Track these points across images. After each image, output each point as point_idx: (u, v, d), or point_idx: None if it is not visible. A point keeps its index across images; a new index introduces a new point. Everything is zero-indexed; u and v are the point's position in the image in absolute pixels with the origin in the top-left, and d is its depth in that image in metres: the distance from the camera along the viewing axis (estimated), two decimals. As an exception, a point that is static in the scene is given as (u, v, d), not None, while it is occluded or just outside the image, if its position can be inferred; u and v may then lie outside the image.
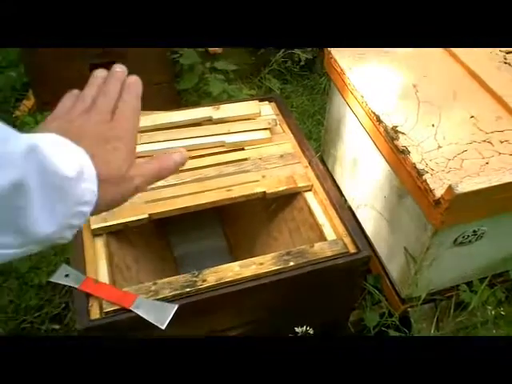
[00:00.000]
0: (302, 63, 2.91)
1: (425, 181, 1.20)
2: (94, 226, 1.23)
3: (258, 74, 2.89)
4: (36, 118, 2.33)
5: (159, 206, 1.29)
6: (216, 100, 2.50)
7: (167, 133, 1.47)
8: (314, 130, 2.73)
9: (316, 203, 1.38)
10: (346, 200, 1.78)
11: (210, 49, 2.71)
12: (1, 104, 2.70)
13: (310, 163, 1.47)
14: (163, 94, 2.60)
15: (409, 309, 1.52)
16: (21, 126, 2.37)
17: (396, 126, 1.34)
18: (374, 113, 1.40)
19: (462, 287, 1.52)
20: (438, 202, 1.16)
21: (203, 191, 1.35)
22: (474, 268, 1.50)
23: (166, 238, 1.70)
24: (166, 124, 1.49)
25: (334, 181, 1.88)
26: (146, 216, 1.27)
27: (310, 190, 1.41)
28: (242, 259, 1.55)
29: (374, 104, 1.42)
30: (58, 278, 1.10)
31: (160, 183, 1.35)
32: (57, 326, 1.73)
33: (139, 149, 1.39)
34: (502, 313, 1.53)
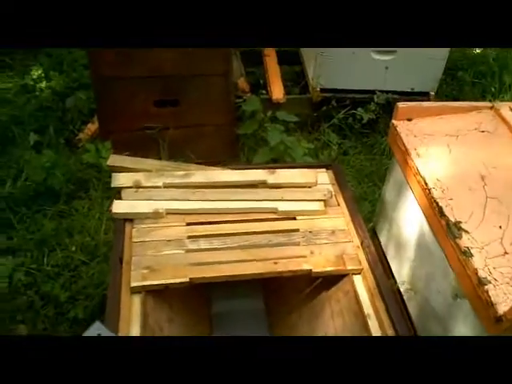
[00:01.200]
0: (364, 121, 2.86)
1: (486, 292, 1.11)
2: (133, 284, 1.21)
3: (318, 127, 2.87)
4: (97, 145, 2.39)
5: (202, 271, 1.26)
6: (273, 150, 2.49)
7: (220, 192, 1.45)
8: (369, 191, 2.66)
9: (363, 289, 1.32)
10: (395, 281, 1.69)
11: (273, 97, 2.72)
12: (67, 124, 2.79)
13: (362, 244, 1.41)
14: (222, 135, 2.62)
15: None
16: (82, 151, 2.44)
17: (459, 222, 1.27)
18: (436, 203, 1.33)
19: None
20: (499, 319, 1.07)
21: (249, 260, 1.31)
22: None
23: (205, 294, 1.66)
24: (220, 182, 1.47)
25: (385, 257, 1.80)
26: (187, 280, 1.24)
27: (359, 273, 1.35)
28: (279, 328, 1.50)
29: (437, 193, 1.35)
30: (90, 335, 1.08)
31: (205, 245, 1.33)
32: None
33: (191, 206, 1.38)
34: None
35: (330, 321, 1.36)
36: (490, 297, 1.10)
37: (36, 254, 2.08)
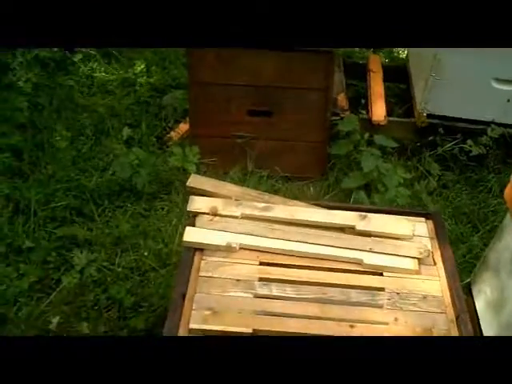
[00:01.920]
0: (473, 154, 2.57)
1: None
2: (192, 326, 1.11)
3: (418, 154, 2.62)
4: (184, 149, 2.35)
5: (268, 323, 1.14)
6: (365, 176, 2.31)
7: (302, 233, 1.31)
8: (467, 233, 2.39)
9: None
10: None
11: (374, 118, 2.52)
12: (161, 121, 2.80)
13: (457, 319, 1.21)
14: (313, 152, 2.48)
15: None
16: (170, 152, 2.42)
17: None
18: (561, 290, 1.09)
19: None
20: None
21: (322, 318, 1.16)
22: None
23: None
24: (304, 221, 1.33)
25: (479, 324, 1.56)
26: (249, 330, 1.12)
27: (447, 353, 1.15)
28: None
29: None
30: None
31: (276, 292, 1.21)
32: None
33: (268, 244, 1.26)
34: None
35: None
36: None
37: (110, 251, 2.08)
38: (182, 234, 2.05)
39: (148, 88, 2.92)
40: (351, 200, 2.28)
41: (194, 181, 1.41)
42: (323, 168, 2.52)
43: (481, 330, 1.55)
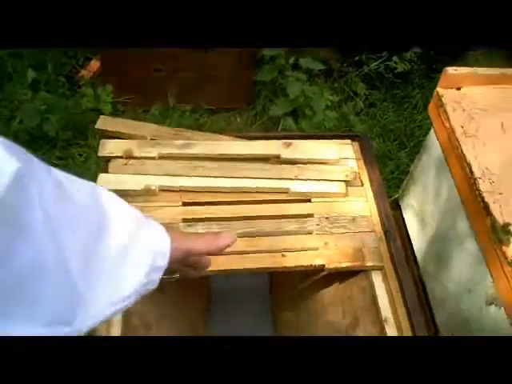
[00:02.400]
0: (398, 71, 2.56)
1: (535, 319, 0.92)
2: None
3: (345, 74, 2.57)
4: (96, 90, 2.16)
5: (197, 265, 1.08)
6: (292, 102, 2.24)
7: (226, 166, 1.24)
8: (394, 150, 2.42)
9: (383, 291, 1.13)
10: (418, 268, 1.51)
11: (297, 40, 2.42)
12: (70, 59, 2.56)
13: (385, 235, 1.21)
14: (237, 80, 2.37)
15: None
16: (80, 96, 2.22)
17: (508, 225, 1.05)
18: (482, 198, 1.10)
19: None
20: (547, 354, 0.88)
21: (253, 252, 1.13)
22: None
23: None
24: (226, 155, 1.26)
25: (408, 236, 1.60)
26: (177, 275, 1.06)
27: (379, 270, 1.16)
28: (282, 312, 1.35)
29: (484, 186, 1.12)
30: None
31: (203, 231, 1.15)
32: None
33: (190, 182, 1.18)
34: None
35: (341, 319, 1.19)
36: (540, 328, 0.90)
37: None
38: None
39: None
40: (279, 128, 2.22)
41: (104, 123, 1.28)
42: (249, 97, 2.43)
43: (411, 243, 1.59)
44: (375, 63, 2.48)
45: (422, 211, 1.52)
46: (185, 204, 1.19)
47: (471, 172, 1.15)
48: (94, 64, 2.49)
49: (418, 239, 1.55)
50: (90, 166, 2.07)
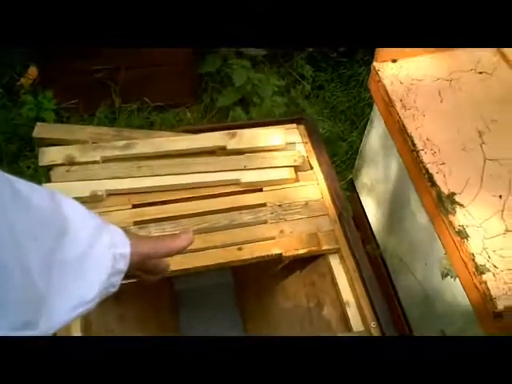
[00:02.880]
0: (342, 49, 2.57)
1: (485, 282, 0.94)
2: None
3: (290, 58, 2.57)
4: (37, 96, 2.08)
5: (151, 267, 1.06)
6: (239, 90, 2.22)
7: (171, 164, 1.22)
8: (346, 131, 2.44)
9: (342, 272, 1.14)
10: (377, 245, 1.53)
11: (239, 28, 2.40)
12: (5, 68, 2.46)
13: (339, 217, 1.22)
14: (182, 75, 2.33)
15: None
16: (21, 104, 2.14)
17: (453, 194, 1.07)
18: (426, 170, 1.12)
19: None
20: (498, 314, 0.91)
21: (208, 248, 1.11)
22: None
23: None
24: (171, 151, 1.24)
25: (366, 215, 1.62)
26: (133, 280, 1.04)
27: (336, 253, 1.17)
28: (249, 307, 1.35)
29: (427, 157, 1.14)
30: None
31: (155, 231, 1.13)
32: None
33: (137, 184, 1.16)
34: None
35: (305, 305, 1.20)
36: (488, 289, 0.93)
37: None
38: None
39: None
40: (229, 118, 2.20)
41: (41, 130, 1.23)
42: (195, 90, 2.40)
43: (369, 223, 1.61)
44: (318, 44, 2.48)
45: (375, 189, 1.55)
46: (134, 206, 1.16)
47: (413, 144, 1.17)
48: (32, 70, 2.39)
49: (375, 218, 1.57)
50: (40, 178, 2.00)
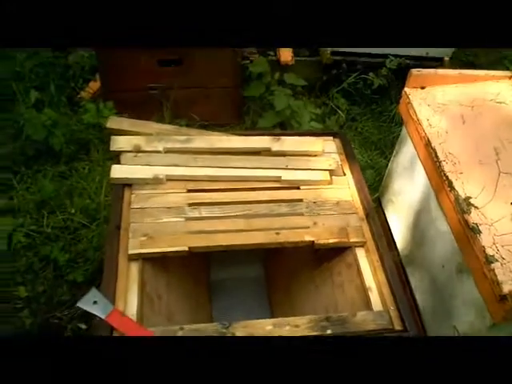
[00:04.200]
0: (375, 87, 2.77)
1: (493, 270, 1.08)
2: (130, 251, 1.18)
3: (327, 91, 2.78)
4: (98, 105, 2.33)
5: (201, 240, 1.23)
6: (279, 114, 2.42)
7: (223, 159, 1.41)
8: (376, 159, 2.60)
9: (366, 262, 1.29)
10: (399, 253, 1.66)
11: (282, 59, 2.63)
12: (69, 81, 2.72)
13: (367, 216, 1.37)
14: (228, 97, 2.55)
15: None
16: (83, 110, 2.38)
17: (469, 198, 1.22)
18: (446, 177, 1.28)
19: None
20: (503, 297, 1.04)
21: (250, 230, 1.28)
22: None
23: (205, 261, 1.65)
24: (223, 149, 1.42)
25: (389, 229, 1.76)
26: (185, 249, 1.21)
27: (362, 246, 1.31)
28: (278, 297, 1.48)
29: (448, 167, 1.29)
30: (86, 303, 1.07)
31: (205, 214, 1.30)
32: (83, 326, 1.72)
33: (193, 172, 1.34)
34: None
35: (331, 293, 1.34)
36: (495, 275, 1.06)
37: (36, 215, 2.06)
38: (107, 189, 2.10)
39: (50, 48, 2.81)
40: (268, 138, 2.39)
41: (113, 122, 1.44)
42: (240, 112, 2.61)
43: (392, 236, 1.74)
44: (352, 76, 2.68)
45: (399, 202, 1.69)
46: (189, 191, 1.34)
47: (436, 156, 1.33)
48: (93, 85, 2.65)
49: (398, 228, 1.71)
50: (94, 177, 2.21)
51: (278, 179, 1.40)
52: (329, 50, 2.65)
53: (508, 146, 1.36)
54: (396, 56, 2.66)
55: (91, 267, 1.87)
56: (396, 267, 1.58)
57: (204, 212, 1.30)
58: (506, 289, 1.04)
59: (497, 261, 1.09)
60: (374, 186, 2.36)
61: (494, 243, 1.12)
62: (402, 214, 1.68)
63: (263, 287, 1.64)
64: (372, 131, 2.72)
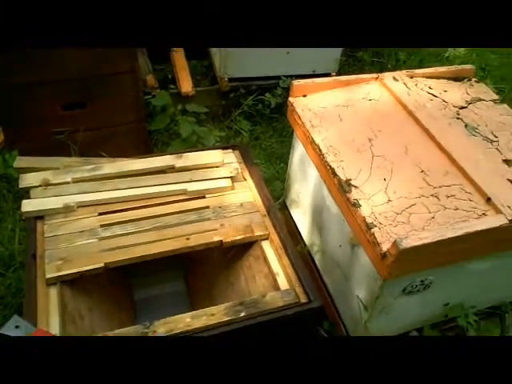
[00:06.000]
0: (273, 106, 2.99)
1: (373, 234, 1.25)
2: (48, 276, 1.24)
3: (229, 115, 2.96)
4: (4, 156, 2.33)
5: (116, 255, 1.31)
6: (185, 142, 2.55)
7: (131, 180, 1.50)
8: (281, 172, 2.79)
9: (272, 252, 1.42)
10: (305, 245, 1.82)
11: (182, 91, 2.78)
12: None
13: (268, 212, 1.52)
14: (134, 133, 2.64)
15: (363, 356, 1.55)
16: (-12, 163, 2.37)
17: (349, 180, 1.40)
18: (330, 166, 1.46)
19: (412, 333, 1.57)
20: (384, 255, 1.21)
21: (162, 239, 1.38)
22: (423, 315, 1.55)
23: (128, 281, 1.71)
24: (129, 171, 1.52)
25: (296, 226, 1.92)
26: (101, 265, 1.28)
27: (266, 239, 1.45)
28: (199, 304, 1.58)
29: (330, 157, 1.48)
30: (8, 329, 1.10)
31: (119, 231, 1.38)
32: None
33: (102, 196, 1.42)
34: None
35: (245, 286, 1.45)
36: (375, 238, 1.24)
37: None
38: (21, 236, 2.10)
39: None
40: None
41: (21, 161, 1.50)
42: (148, 146, 2.71)
43: (299, 231, 1.91)
44: (250, 98, 2.88)
45: (300, 199, 1.86)
46: (100, 214, 1.42)
47: (320, 150, 1.51)
48: (-2, 136, 2.65)
49: (302, 223, 1.88)
50: (6, 226, 2.20)
51: (184, 192, 1.51)
52: (226, 77, 2.84)
53: (379, 134, 1.57)
54: (287, 76, 2.91)
55: (10, 311, 1.86)
56: (302, 255, 1.75)
57: (117, 230, 1.38)
58: (384, 247, 1.21)
59: (375, 226, 1.27)
60: (281, 195, 2.54)
61: (372, 213, 1.30)
62: (303, 210, 1.85)
63: (186, 299, 1.72)
64: (275, 146, 2.92)
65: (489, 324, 1.81)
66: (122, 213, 1.44)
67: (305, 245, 1.82)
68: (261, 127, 3.02)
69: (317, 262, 1.75)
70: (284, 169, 2.79)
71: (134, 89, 2.49)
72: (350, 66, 3.65)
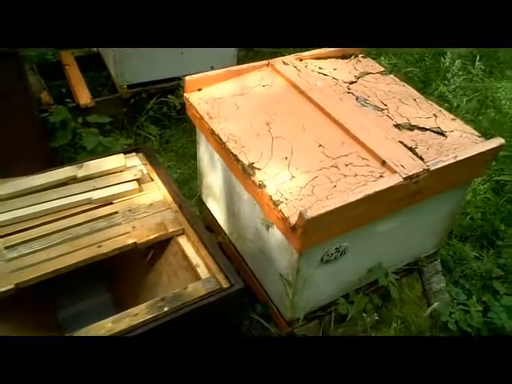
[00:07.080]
0: (178, 108, 2.98)
1: (280, 210, 1.30)
2: (-47, 307, 1.17)
3: (135, 122, 2.92)
4: None
5: (26, 274, 1.26)
6: (92, 154, 2.49)
7: (31, 198, 1.45)
8: (194, 172, 2.80)
9: (189, 246, 1.43)
10: (225, 233, 1.85)
11: (81, 103, 2.70)
12: None
13: (180, 208, 1.52)
14: (36, 153, 2.53)
15: (294, 330, 1.60)
16: None
17: (252, 163, 1.44)
18: (232, 153, 1.49)
19: (339, 300, 1.64)
20: (293, 228, 1.26)
21: (74, 251, 1.34)
22: (346, 281, 1.63)
23: (51, 302, 1.65)
24: (29, 189, 1.46)
25: (214, 217, 1.95)
26: (11, 286, 1.23)
27: (182, 234, 1.46)
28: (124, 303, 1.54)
29: (231, 145, 1.51)
30: None
31: (25, 250, 1.33)
32: None
33: (6, 217, 1.35)
34: (377, 318, 1.66)
35: (167, 283, 1.45)
36: (283, 213, 1.29)
37: None
38: None
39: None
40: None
41: None
42: (52, 164, 2.60)
43: (218, 222, 1.93)
44: (151, 102, 2.86)
45: (214, 192, 1.89)
46: (3, 236, 1.36)
47: (220, 139, 1.54)
48: None
49: (220, 215, 1.90)
50: None
51: (89, 201, 1.48)
52: (125, 84, 2.80)
53: (275, 117, 1.63)
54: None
55: None
56: (224, 244, 1.77)
57: (24, 250, 1.33)
58: (292, 220, 1.26)
59: (282, 202, 1.31)
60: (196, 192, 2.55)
61: (277, 190, 1.35)
62: (218, 201, 1.87)
63: (113, 310, 1.68)
64: (188, 146, 2.92)
65: (410, 280, 1.94)
66: (28, 231, 1.38)
67: (225, 234, 1.84)
68: (170, 130, 3.01)
69: (239, 249, 1.78)
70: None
71: (28, 108, 2.39)
72: (249, 59, 3.73)
